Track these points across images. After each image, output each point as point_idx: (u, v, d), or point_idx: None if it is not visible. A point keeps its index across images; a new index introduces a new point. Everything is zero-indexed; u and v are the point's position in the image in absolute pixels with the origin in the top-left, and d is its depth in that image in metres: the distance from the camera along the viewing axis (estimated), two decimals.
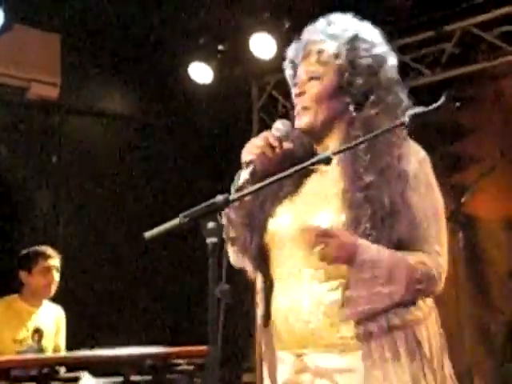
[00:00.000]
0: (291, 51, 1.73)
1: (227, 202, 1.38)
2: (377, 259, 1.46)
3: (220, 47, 4.64)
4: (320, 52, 1.63)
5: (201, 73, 4.68)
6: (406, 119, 1.40)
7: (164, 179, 4.87)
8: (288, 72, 1.75)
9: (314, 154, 1.64)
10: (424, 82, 4.39)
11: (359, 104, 1.61)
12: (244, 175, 1.59)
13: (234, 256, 1.67)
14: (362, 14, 1.69)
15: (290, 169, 1.42)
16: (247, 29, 4.39)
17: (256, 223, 1.64)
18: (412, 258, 1.51)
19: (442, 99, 1.37)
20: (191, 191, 4.57)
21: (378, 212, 1.48)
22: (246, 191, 1.45)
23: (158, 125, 5.02)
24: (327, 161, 1.39)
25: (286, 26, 4.24)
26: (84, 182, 4.56)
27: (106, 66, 4.64)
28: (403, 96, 1.62)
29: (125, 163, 4.77)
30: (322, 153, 1.56)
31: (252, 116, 5.11)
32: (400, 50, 4.49)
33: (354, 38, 1.62)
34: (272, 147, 1.61)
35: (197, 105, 4.93)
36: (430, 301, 1.57)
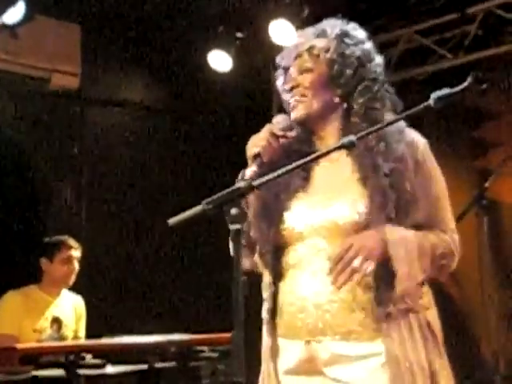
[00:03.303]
0: (281, 59, 1.78)
1: (251, 188, 1.38)
2: (406, 235, 1.54)
3: (239, 35, 4.61)
4: (311, 48, 1.69)
5: (220, 61, 4.66)
6: (432, 101, 1.38)
7: (184, 167, 4.88)
8: (280, 80, 1.78)
9: (313, 146, 1.70)
10: (447, 66, 4.32)
11: (349, 95, 1.66)
12: (251, 167, 1.61)
13: (247, 253, 1.67)
14: None
15: (297, 158, 1.45)
16: (266, 16, 4.36)
17: (272, 215, 1.66)
18: (432, 236, 1.59)
19: (468, 81, 1.36)
20: (211, 179, 4.57)
21: (402, 197, 1.55)
22: (268, 177, 1.45)
23: (178, 113, 5.02)
24: (351, 145, 1.40)
25: (306, 12, 4.21)
26: (105, 171, 4.59)
27: (126, 56, 4.65)
28: (390, 90, 1.68)
29: (145, 152, 4.79)
30: (319, 145, 1.68)
31: (272, 103, 5.09)
32: (422, 33, 4.44)
33: (343, 34, 1.68)
34: (276, 136, 1.66)
35: (216, 93, 4.92)
36: (430, 294, 1.64)
